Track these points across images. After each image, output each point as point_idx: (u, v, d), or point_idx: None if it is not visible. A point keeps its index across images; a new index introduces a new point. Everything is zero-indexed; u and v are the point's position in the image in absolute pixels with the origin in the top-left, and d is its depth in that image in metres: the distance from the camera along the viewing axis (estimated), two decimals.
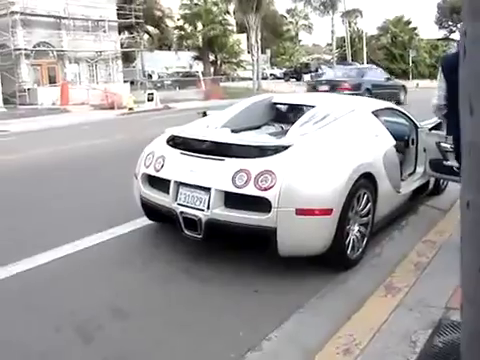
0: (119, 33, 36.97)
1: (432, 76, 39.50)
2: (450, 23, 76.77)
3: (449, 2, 74.46)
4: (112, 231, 5.25)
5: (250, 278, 4.11)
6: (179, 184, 4.28)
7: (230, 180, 3.97)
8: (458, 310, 3.22)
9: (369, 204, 4.41)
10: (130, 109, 23.93)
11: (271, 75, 51.49)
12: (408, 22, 51.46)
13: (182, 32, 44.06)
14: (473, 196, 2.22)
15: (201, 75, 37.78)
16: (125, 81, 35.59)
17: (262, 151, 4.12)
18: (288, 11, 64.04)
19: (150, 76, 43.32)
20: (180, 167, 4.37)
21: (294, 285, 4.01)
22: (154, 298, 3.88)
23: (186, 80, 39.59)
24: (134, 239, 5.12)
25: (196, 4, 40.90)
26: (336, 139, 4.46)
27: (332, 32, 47.55)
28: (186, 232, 4.29)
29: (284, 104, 5.93)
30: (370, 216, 4.47)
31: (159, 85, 36.85)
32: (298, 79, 46.52)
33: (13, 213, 6.16)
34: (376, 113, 5.25)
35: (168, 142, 4.74)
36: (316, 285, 3.97)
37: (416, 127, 5.78)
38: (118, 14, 35.38)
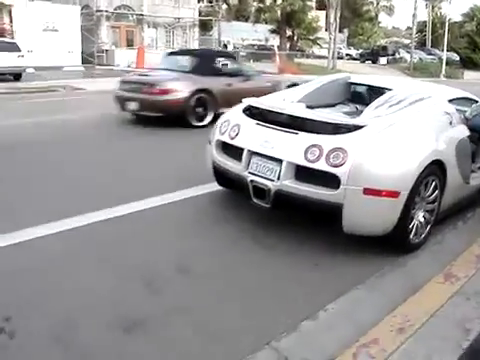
0: (198, 1, 37.17)
1: None
2: None
3: None
4: (181, 193, 5.48)
5: (311, 251, 4.23)
6: (252, 153, 4.43)
7: (302, 154, 4.08)
8: None
9: (436, 191, 4.42)
10: None
11: (347, 55, 50.60)
12: None
13: (261, 4, 43.81)
14: None
15: (277, 49, 37.60)
16: None
17: (336, 128, 4.19)
18: None
19: (225, 46, 43.46)
20: (254, 137, 4.51)
21: (354, 262, 4.12)
22: (219, 259, 4.07)
23: (261, 53, 39.49)
24: (203, 202, 5.33)
25: None
26: (410, 124, 4.47)
27: (413, 16, 45.85)
28: (254, 200, 4.45)
29: (361, 85, 5.94)
30: (436, 203, 4.48)
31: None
32: (374, 61, 45.57)
33: (103, 166, 6.59)
34: (452, 101, 5.20)
35: (244, 111, 4.89)
36: (375, 265, 4.05)
37: None
38: None
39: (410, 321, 3.15)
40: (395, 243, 4.26)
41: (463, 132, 4.95)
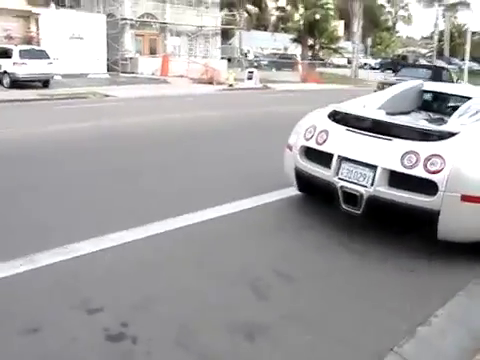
0: (220, 9, 37.39)
1: None
2: None
3: None
4: (257, 199, 5.54)
5: (404, 257, 4.24)
6: (342, 159, 4.47)
7: (399, 160, 4.11)
8: None
9: None
10: (230, 85, 24.34)
11: (365, 64, 50.60)
12: None
13: (283, 13, 44.01)
14: None
15: (299, 58, 37.71)
16: (222, 58, 36.12)
17: (430, 135, 4.23)
18: (388, 1, 62.40)
19: (246, 55, 43.71)
20: (345, 143, 4.54)
21: (448, 268, 4.13)
22: (313, 265, 4.10)
23: (282, 61, 39.64)
24: (282, 208, 5.38)
25: None
26: None
27: (435, 25, 45.96)
28: (344, 206, 4.48)
29: (434, 92, 5.99)
30: None
31: (255, 64, 37.10)
32: (394, 71, 45.45)
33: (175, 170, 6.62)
34: None
35: (329, 117, 4.94)
36: (469, 271, 4.08)
37: None
38: None
39: None
40: None
41: None
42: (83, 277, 3.67)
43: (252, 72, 26.08)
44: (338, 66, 46.61)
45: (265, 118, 12.85)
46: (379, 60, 53.68)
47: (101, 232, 4.42)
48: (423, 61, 48.54)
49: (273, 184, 5.87)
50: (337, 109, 5.00)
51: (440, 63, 45.78)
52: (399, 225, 4.50)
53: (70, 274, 3.70)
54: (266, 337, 3.07)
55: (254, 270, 3.93)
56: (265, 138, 9.59)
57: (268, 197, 5.60)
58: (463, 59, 43.48)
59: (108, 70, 29.72)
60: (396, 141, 4.25)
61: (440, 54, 51.62)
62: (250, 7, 45.46)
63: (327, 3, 40.16)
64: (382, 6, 62.86)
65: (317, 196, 5.16)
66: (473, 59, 45.49)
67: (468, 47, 36.49)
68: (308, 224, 4.89)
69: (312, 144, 4.79)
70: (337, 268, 4.07)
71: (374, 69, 49.28)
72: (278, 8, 45.19)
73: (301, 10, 41.15)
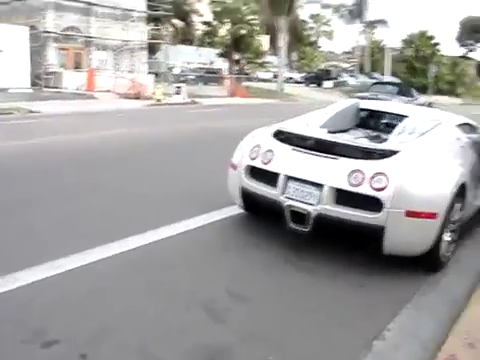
0: (147, 24, 37.16)
1: (451, 92, 40.16)
2: (471, 41, 77.32)
3: (472, 20, 74.88)
4: (201, 218, 5.52)
5: (352, 273, 4.38)
6: (289, 178, 4.55)
7: (345, 178, 4.25)
8: None
9: (460, 212, 4.70)
10: (158, 100, 24.19)
11: (290, 78, 51.74)
12: (431, 37, 51.78)
13: (209, 28, 44.34)
14: None
15: (225, 73, 38.02)
16: (149, 72, 35.83)
17: (373, 154, 4.40)
18: (311, 16, 64.37)
19: (172, 69, 43.56)
20: (290, 162, 4.63)
21: (393, 281, 4.30)
22: (264, 284, 4.13)
23: (209, 76, 39.86)
24: (226, 227, 5.40)
25: (225, 1, 41.10)
26: (436, 148, 4.76)
27: (357, 41, 47.94)
28: (291, 225, 4.56)
29: (370, 111, 6.21)
30: (458, 223, 4.76)
31: (182, 79, 37.06)
32: (319, 85, 46.90)
33: (111, 193, 6.45)
34: (459, 126, 5.55)
35: (274, 136, 5.01)
36: (412, 283, 4.28)
37: None
38: (148, 5, 35.61)
39: (474, 336, 3.34)
40: (428, 262, 4.49)
41: (473, 155, 5.30)
42: (31, 308, 3.51)
43: (180, 87, 26.04)
44: (264, 80, 47.37)
45: (199, 134, 12.87)
46: (303, 74, 55.09)
47: (44, 259, 4.22)
48: (345, 75, 50.32)
49: (216, 202, 5.90)
50: (281, 129, 5.09)
51: (363, 77, 47.76)
52: (346, 242, 4.62)
53: (16, 305, 3.53)
54: (227, 359, 3.08)
55: (206, 291, 3.92)
56: (203, 155, 9.61)
57: (211, 216, 5.59)
58: (383, 74, 45.60)
59: (31, 85, 28.77)
60: (342, 160, 4.39)
61: (361, 69, 53.57)
62: (176, 21, 45.51)
63: (253, 19, 40.91)
64: (305, 21, 64.73)
65: (262, 215, 5.20)
66: (393, 74, 47.63)
67: (387, 63, 38.33)
68: (254, 243, 4.92)
69: (258, 164, 4.84)
70: (288, 286, 4.13)
71: (299, 83, 50.57)
72: (204, 23, 45.49)
73: (227, 25, 41.65)
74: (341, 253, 4.71)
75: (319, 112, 5.89)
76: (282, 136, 4.97)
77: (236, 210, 5.56)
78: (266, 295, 3.95)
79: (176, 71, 44.09)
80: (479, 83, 70.92)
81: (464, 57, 68.01)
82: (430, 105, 25.45)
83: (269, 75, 52.12)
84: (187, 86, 28.18)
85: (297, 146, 4.71)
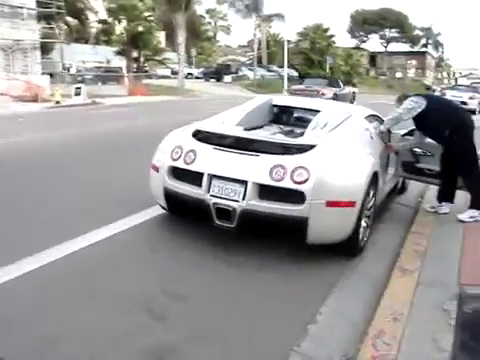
0: (38, 21, 35.60)
1: (347, 83, 41.83)
2: (362, 33, 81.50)
3: (361, 13, 78.91)
4: (126, 221, 5.49)
5: (279, 263, 4.59)
6: (212, 176, 4.66)
7: (267, 174, 4.42)
8: (470, 285, 3.95)
9: (373, 199, 5.04)
10: (57, 102, 23.35)
11: (190, 74, 51.76)
12: (326, 30, 53.73)
13: (106, 26, 43.32)
14: None
15: (124, 71, 37.35)
16: (43, 73, 34.40)
17: (292, 149, 4.61)
18: (207, 11, 64.73)
19: (68, 69, 42.17)
20: (213, 161, 4.74)
21: (318, 269, 4.56)
22: (197, 281, 4.22)
23: (107, 75, 39.00)
24: (152, 228, 5.43)
25: None
26: (349, 140, 5.06)
27: (254, 35, 48.81)
28: (217, 222, 4.67)
29: (283, 106, 6.45)
30: (372, 209, 5.10)
31: (80, 79, 35.98)
32: (218, 79, 47.25)
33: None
34: (367, 118, 5.92)
35: (194, 136, 5.09)
36: (336, 268, 4.57)
37: (389, 132, 6.47)
38: (38, 2, 34.08)
39: (397, 311, 3.65)
40: (349, 248, 4.78)
41: (381, 144, 5.68)
42: None
43: (79, 88, 25.27)
44: (163, 77, 47.02)
45: (108, 136, 12.56)
46: (202, 70, 55.27)
47: None
48: (245, 69, 51.10)
49: (137, 205, 5.89)
50: (200, 128, 5.18)
51: (262, 70, 48.81)
52: (271, 234, 4.79)
53: None
54: (177, 357, 3.16)
55: (144, 294, 3.94)
56: (116, 157, 9.46)
57: (134, 219, 5.56)
58: (281, 66, 46.72)
59: None
60: (263, 156, 4.55)
61: (259, 62, 54.67)
62: (70, 19, 44.04)
63: (150, 15, 40.44)
64: (202, 17, 64.99)
65: (185, 214, 5.27)
66: (290, 66, 48.94)
67: (286, 55, 39.37)
68: (181, 242, 4.98)
69: (180, 164, 4.90)
70: (220, 282, 4.24)
71: (198, 78, 50.70)
72: (100, 21, 44.36)
73: (124, 23, 40.90)
74: (267, 246, 4.89)
75: (234, 110, 6.03)
76: (201, 136, 5.06)
77: (158, 211, 5.60)
78: (201, 292, 4.04)
79: (73, 71, 42.74)
80: (372, 72, 74.97)
81: (357, 48, 71.49)
82: (354, 94, 27.98)
83: (167, 72, 51.80)
84: (86, 86, 27.41)
85: (218, 145, 4.82)
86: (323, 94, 24.97)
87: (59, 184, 7.22)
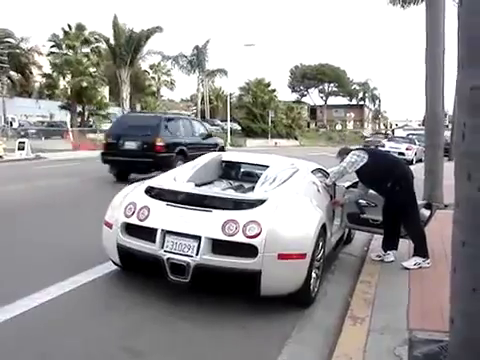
0: None
1: (289, 135, 43.24)
2: (302, 87, 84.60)
3: (301, 68, 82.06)
4: (77, 278, 5.43)
5: (234, 316, 4.64)
6: (166, 232, 4.72)
7: (220, 229, 4.53)
8: (419, 330, 4.13)
9: (322, 250, 5.21)
10: (0, 157, 22.89)
11: None
12: (268, 84, 55.27)
13: (50, 80, 43.09)
14: (466, 237, 3.14)
15: (69, 125, 37.08)
16: None
17: (244, 204, 4.76)
18: (151, 67, 65.44)
19: (11, 123, 41.50)
20: (166, 217, 4.81)
21: (272, 320, 4.63)
22: (155, 338, 4.20)
23: (51, 130, 38.59)
24: (106, 285, 5.37)
25: (66, 53, 40.36)
26: (298, 194, 5.25)
27: (198, 90, 49.76)
28: (171, 277, 4.70)
29: (232, 162, 6.63)
30: (321, 260, 5.26)
31: (23, 133, 35.44)
32: None
33: None
34: (313, 172, 6.17)
35: (147, 193, 5.16)
36: (290, 319, 4.64)
37: (334, 184, 6.74)
38: None
39: (352, 358, 3.76)
40: (301, 298, 4.89)
41: (327, 197, 5.92)
42: None
43: (23, 142, 24.87)
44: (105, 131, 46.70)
45: (56, 192, 12.37)
46: None
47: None
48: None
49: (87, 262, 5.85)
50: (152, 185, 5.27)
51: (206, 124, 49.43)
52: (224, 289, 4.85)
53: None
54: None
55: (103, 352, 3.91)
56: (68, 214, 9.34)
57: (86, 276, 5.50)
58: (224, 120, 47.66)
59: None
60: (215, 212, 4.67)
61: (202, 116, 55.47)
62: (13, 73, 43.65)
63: (95, 71, 40.55)
64: (146, 72, 65.68)
65: (138, 270, 5.27)
66: (233, 120, 49.92)
67: (229, 109, 40.26)
68: (135, 298, 4.96)
69: (134, 220, 4.94)
70: (176, 337, 4.25)
71: None
72: (44, 75, 44.09)
73: (68, 77, 40.84)
74: (221, 300, 4.94)
75: (185, 166, 6.17)
76: (154, 192, 5.15)
77: (111, 267, 5.57)
78: (158, 347, 4.03)
79: (15, 125, 42.09)
80: (313, 125, 77.35)
81: (298, 102, 73.97)
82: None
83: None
84: (29, 140, 27.02)
85: (171, 201, 4.92)
86: None
87: (6, 242, 7.05)
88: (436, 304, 4.79)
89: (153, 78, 66.53)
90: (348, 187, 6.80)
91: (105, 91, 53.03)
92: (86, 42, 41.48)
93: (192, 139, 15.93)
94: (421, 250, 6.20)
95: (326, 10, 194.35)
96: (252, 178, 6.05)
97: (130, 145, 14.23)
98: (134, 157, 14.00)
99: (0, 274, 5.63)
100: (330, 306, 5.10)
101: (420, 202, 6.71)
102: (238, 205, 4.75)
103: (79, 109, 42.71)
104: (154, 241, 4.74)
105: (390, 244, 6.49)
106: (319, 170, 6.60)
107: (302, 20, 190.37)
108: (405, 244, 6.61)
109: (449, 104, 25.18)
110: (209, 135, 17.80)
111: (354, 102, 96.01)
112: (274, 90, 55.69)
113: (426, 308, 4.81)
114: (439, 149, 11.09)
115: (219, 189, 5.72)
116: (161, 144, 14.04)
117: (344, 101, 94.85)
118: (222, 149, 17.59)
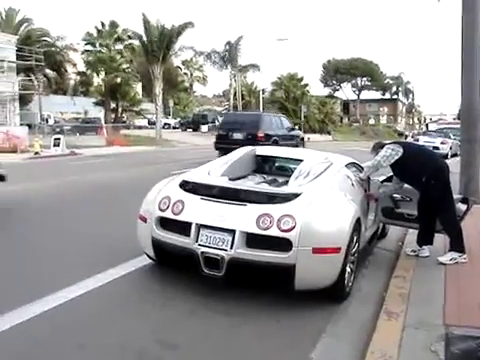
0: (17, 74, 35.95)
1: (322, 130, 42.95)
2: (334, 82, 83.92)
3: (333, 63, 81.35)
4: (114, 271, 5.52)
5: (268, 310, 4.66)
6: (200, 226, 4.76)
7: (254, 223, 4.55)
8: (456, 326, 4.06)
9: (357, 244, 5.18)
10: (36, 153, 23.39)
11: (166, 124, 52.27)
12: (300, 79, 54.98)
13: (85, 78, 43.86)
14: None
15: (103, 122, 37.63)
16: (21, 124, 34.49)
17: (278, 198, 4.76)
18: (183, 62, 65.86)
19: (47, 120, 42.36)
20: (201, 211, 4.85)
21: (306, 314, 4.63)
22: (189, 330, 4.26)
23: (85, 126, 39.24)
24: (141, 278, 5.46)
25: (99, 51, 40.98)
26: (332, 188, 5.23)
27: (230, 85, 49.87)
28: (206, 271, 4.74)
29: (266, 156, 6.64)
30: (356, 254, 5.23)
31: (58, 130, 36.14)
32: (195, 129, 47.74)
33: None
34: (347, 166, 6.12)
35: (181, 187, 5.22)
36: (324, 313, 4.64)
37: (369, 179, 6.67)
38: (17, 55, 34.54)
39: (387, 354, 3.72)
40: (336, 293, 4.87)
41: (361, 191, 5.87)
42: None
43: (59, 139, 25.39)
44: (140, 127, 47.38)
45: (90, 187, 12.58)
46: (179, 120, 55.85)
47: None
48: (221, 118, 51.85)
49: (123, 255, 5.95)
50: (187, 179, 5.32)
51: None
52: (260, 281, 4.87)
53: None
54: None
55: (136, 343, 3.96)
56: (104, 208, 9.52)
57: (123, 269, 5.61)
58: None
59: None
60: (250, 206, 4.69)
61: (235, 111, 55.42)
62: (49, 71, 44.50)
63: (128, 67, 41.05)
64: (179, 68, 66.08)
65: (175, 264, 5.33)
66: None
67: (261, 104, 40.23)
68: (170, 292, 5.03)
69: (169, 215, 4.99)
70: (211, 330, 4.28)
71: (175, 128, 51.17)
72: (78, 73, 44.89)
73: (102, 74, 41.45)
74: (255, 293, 4.96)
75: (219, 160, 6.20)
76: (188, 186, 5.19)
77: (145, 261, 5.64)
78: (193, 341, 4.07)
79: (51, 122, 42.93)
80: (346, 120, 76.64)
81: (330, 96, 73.35)
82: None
83: (144, 122, 52.23)
84: (65, 137, 27.55)
85: (205, 195, 4.96)
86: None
87: (45, 236, 7.23)
88: (473, 300, 4.71)
89: (185, 74, 67.03)
90: (383, 181, 6.73)
91: (138, 87, 53.72)
92: (119, 39, 42.00)
93: (282, 131, 21.24)
94: (457, 245, 6.09)
95: (359, 3, 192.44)
96: (286, 172, 6.04)
97: (237, 136, 19.31)
98: (240, 145, 15.65)
99: (40, 267, 5.79)
100: (365, 301, 5.06)
101: (456, 196, 6.59)
102: (272, 199, 4.76)
103: (113, 105, 43.33)
104: (188, 235, 4.79)
105: (425, 239, 6.40)
106: (353, 164, 6.54)
107: (335, 14, 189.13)
108: (441, 239, 6.50)
109: None
110: (292, 128, 23.97)
111: (387, 96, 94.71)
112: (306, 85, 55.36)
113: (463, 304, 4.74)
114: (475, 143, 10.77)
115: (253, 183, 5.73)
116: (262, 135, 18.97)
117: (377, 95, 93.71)
118: (302, 139, 24.46)
